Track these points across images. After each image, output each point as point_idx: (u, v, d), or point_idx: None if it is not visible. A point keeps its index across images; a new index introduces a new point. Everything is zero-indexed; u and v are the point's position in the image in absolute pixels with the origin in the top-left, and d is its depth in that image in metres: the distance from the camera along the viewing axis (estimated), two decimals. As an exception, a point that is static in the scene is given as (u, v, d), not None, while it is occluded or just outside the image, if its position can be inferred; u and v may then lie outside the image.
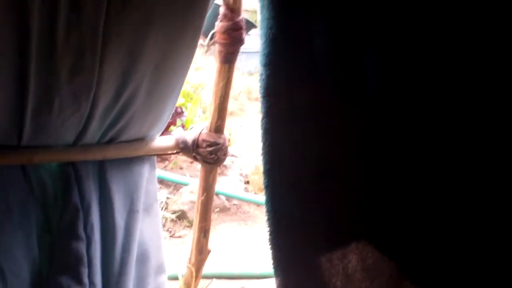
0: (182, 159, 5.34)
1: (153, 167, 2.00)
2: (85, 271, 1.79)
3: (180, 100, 6.09)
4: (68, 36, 1.50)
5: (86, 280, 1.79)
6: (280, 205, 1.49)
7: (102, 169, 1.87)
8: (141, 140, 1.92)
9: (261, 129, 1.51)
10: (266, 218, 1.51)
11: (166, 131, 2.48)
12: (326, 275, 1.46)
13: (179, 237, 4.82)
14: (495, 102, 1.22)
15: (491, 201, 1.24)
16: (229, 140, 2.06)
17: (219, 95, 1.91)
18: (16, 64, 1.52)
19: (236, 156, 5.74)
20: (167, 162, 5.50)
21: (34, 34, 1.47)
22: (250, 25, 8.05)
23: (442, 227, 1.29)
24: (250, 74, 8.50)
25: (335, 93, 1.40)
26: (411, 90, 1.27)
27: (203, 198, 2.09)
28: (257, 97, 7.61)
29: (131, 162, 1.92)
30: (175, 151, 2.01)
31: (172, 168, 5.56)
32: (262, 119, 1.50)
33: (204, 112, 6.27)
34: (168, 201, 5.14)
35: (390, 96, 1.30)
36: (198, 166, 2.30)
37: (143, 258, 1.95)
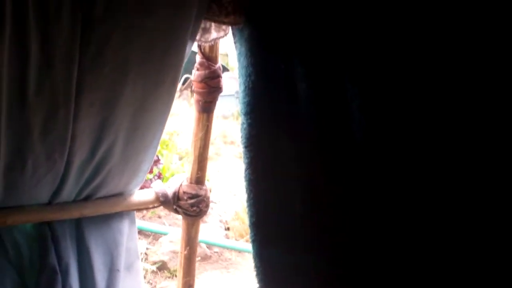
0: (161, 207, 5.27)
1: (133, 223, 1.93)
2: (65, 337, 1.71)
3: (155, 148, 6.04)
4: (39, 91, 1.45)
5: None
6: (268, 258, 1.45)
7: (79, 228, 1.80)
8: (120, 195, 1.85)
9: (245, 180, 1.46)
10: (254, 272, 1.46)
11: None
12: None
13: (161, 289, 4.71)
14: (479, 132, 1.22)
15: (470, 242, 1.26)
16: (210, 190, 2.01)
17: (199, 145, 1.87)
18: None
19: (215, 203, 5.68)
20: (145, 212, 5.41)
21: (3, 90, 1.42)
22: (222, 69, 8.11)
23: (429, 280, 1.30)
24: (225, 117, 8.51)
25: (320, 139, 1.37)
26: (400, 131, 1.25)
27: (185, 252, 2.02)
28: (232, 141, 7.60)
29: (109, 218, 1.85)
30: (155, 205, 1.95)
31: (150, 217, 5.46)
32: (246, 170, 1.46)
33: (180, 158, 6.21)
34: (148, 251, 5.03)
35: (379, 138, 1.27)
36: (178, 215, 2.24)
37: (125, 319, 1.88)
